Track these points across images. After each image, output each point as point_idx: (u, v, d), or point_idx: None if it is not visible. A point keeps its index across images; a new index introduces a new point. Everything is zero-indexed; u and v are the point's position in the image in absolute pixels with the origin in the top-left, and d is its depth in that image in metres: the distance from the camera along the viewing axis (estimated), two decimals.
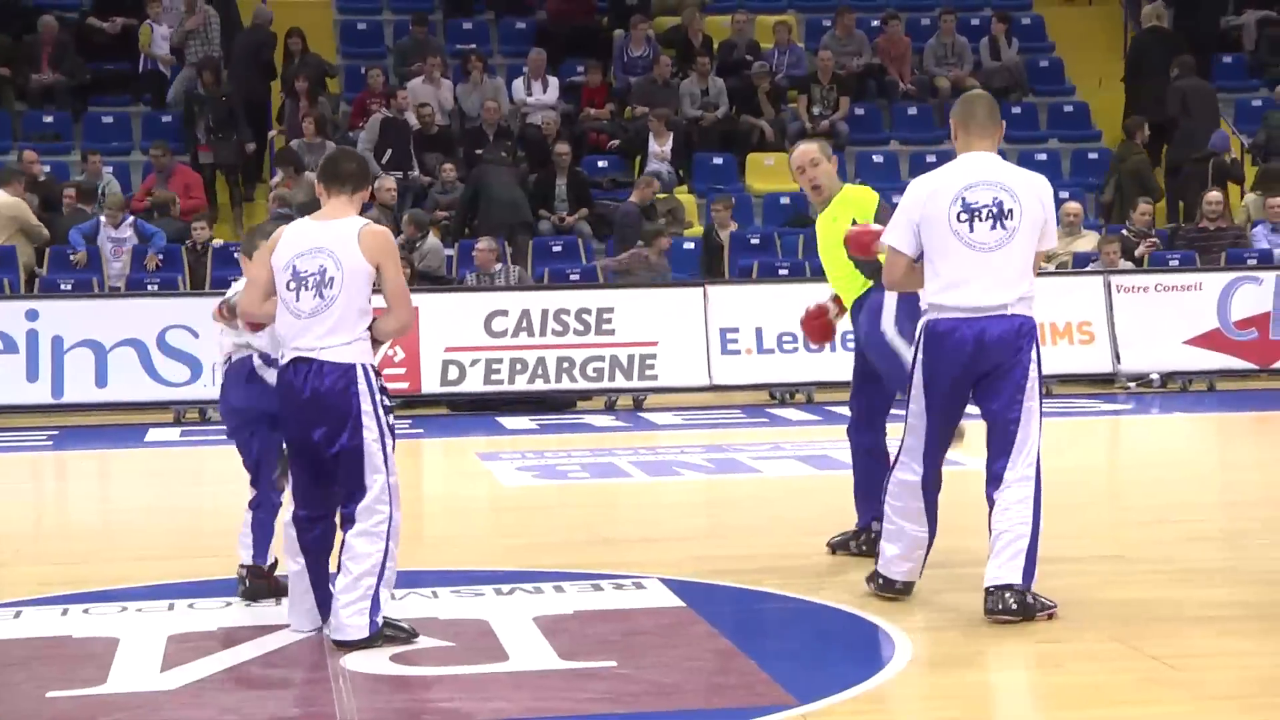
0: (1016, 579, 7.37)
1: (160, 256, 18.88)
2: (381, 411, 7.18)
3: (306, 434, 7.18)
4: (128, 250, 18.93)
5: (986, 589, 7.43)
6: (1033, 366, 7.55)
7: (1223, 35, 25.60)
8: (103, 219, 19.05)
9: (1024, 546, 7.39)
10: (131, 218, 19.20)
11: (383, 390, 7.23)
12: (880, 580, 7.98)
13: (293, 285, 7.16)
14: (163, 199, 20.13)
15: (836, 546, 9.19)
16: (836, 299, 9.29)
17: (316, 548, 7.35)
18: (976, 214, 7.52)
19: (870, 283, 8.81)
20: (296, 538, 7.36)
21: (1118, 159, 22.31)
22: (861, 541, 9.06)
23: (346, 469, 7.15)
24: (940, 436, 7.76)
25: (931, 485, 7.80)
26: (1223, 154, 22.01)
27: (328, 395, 7.10)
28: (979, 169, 7.64)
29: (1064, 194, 21.06)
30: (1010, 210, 7.51)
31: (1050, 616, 7.44)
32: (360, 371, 7.15)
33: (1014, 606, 7.36)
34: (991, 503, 7.53)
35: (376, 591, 7.12)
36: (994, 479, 7.53)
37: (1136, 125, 22.23)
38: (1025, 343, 7.53)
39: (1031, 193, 7.59)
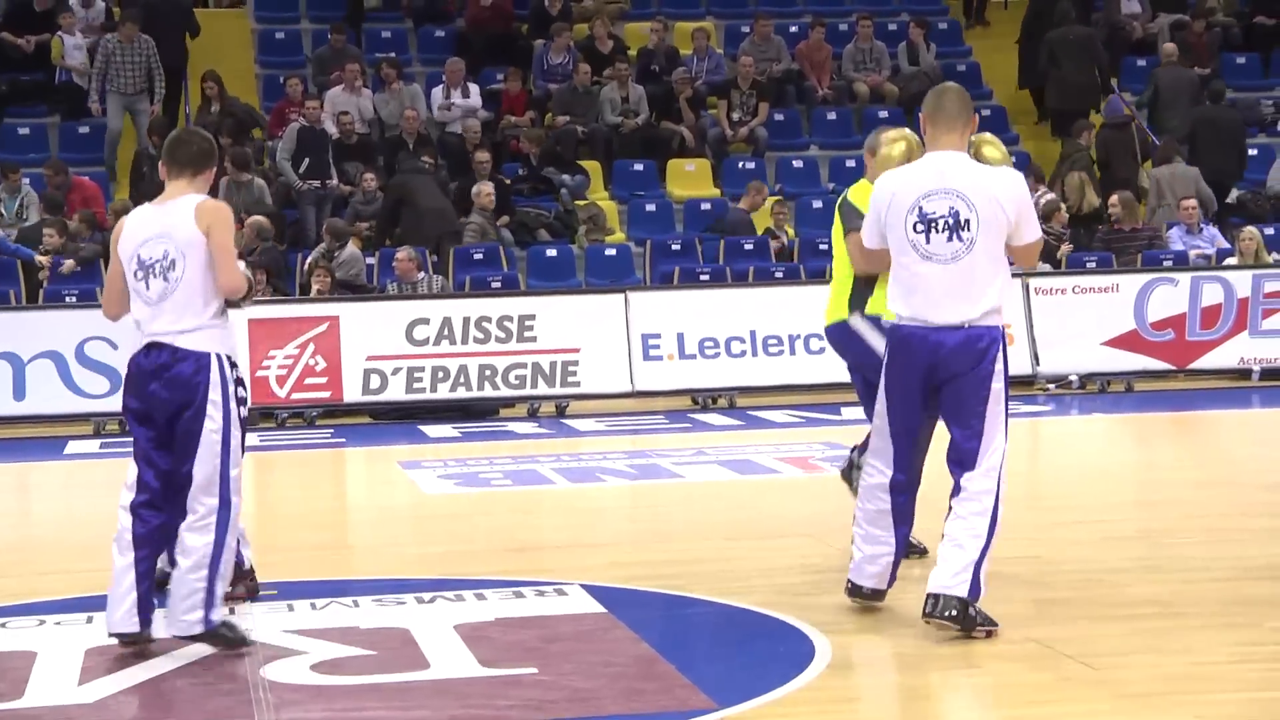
0: (962, 592, 7.17)
1: (77, 265, 18.68)
2: (233, 404, 7.14)
3: (148, 414, 7.16)
4: None
5: (928, 594, 7.23)
6: (994, 379, 7.32)
7: (1139, 41, 25.84)
8: None
9: (973, 559, 7.20)
10: (2, 234, 18.90)
11: (238, 382, 7.20)
12: (849, 585, 7.82)
13: (140, 274, 7.16)
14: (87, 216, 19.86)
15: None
16: None
17: (152, 540, 7.21)
18: (933, 224, 7.30)
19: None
20: (130, 527, 7.19)
21: (1062, 159, 22.47)
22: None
23: (179, 453, 7.11)
24: (905, 440, 7.57)
25: (900, 488, 7.61)
26: (1126, 121, 22.37)
27: (175, 378, 7.08)
28: (940, 174, 7.41)
29: None
30: (967, 220, 7.27)
31: (988, 635, 7.24)
32: (214, 360, 7.11)
33: (953, 614, 7.14)
34: (950, 510, 7.36)
35: (211, 587, 7.06)
36: (955, 489, 7.38)
37: (1082, 128, 22.42)
38: (988, 353, 7.30)
39: (989, 198, 7.30)
